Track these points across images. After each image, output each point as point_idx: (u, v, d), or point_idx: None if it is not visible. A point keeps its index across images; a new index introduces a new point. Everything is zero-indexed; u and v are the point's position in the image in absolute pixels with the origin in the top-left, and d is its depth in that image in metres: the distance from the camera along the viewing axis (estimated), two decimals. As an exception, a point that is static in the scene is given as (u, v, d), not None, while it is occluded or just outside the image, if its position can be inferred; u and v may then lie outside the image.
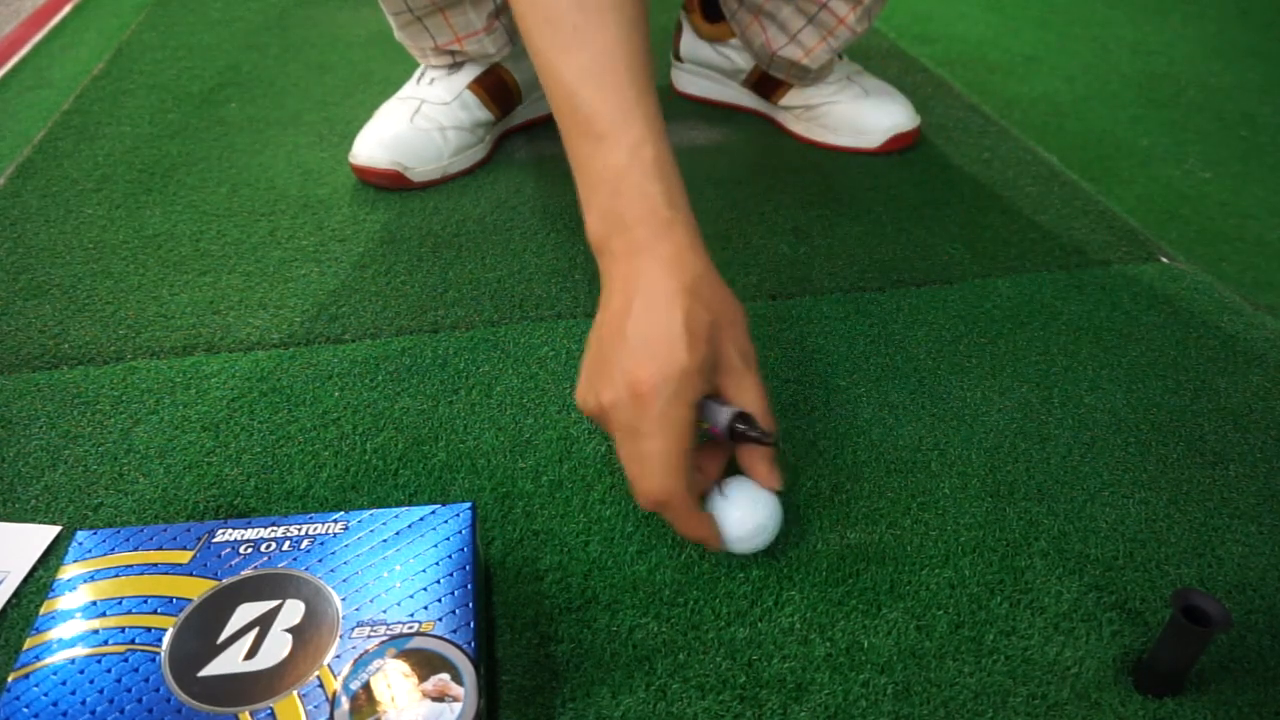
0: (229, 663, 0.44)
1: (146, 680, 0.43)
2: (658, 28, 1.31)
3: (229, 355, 0.71)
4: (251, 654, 0.44)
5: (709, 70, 1.10)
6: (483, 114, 0.97)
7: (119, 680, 0.43)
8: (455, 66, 0.96)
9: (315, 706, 0.42)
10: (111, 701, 0.42)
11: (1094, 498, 0.60)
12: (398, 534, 0.50)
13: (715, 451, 0.55)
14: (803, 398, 0.68)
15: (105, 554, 0.49)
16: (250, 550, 0.49)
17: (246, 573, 0.48)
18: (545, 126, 1.07)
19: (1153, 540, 0.57)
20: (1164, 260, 0.85)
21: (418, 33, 0.92)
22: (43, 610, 0.46)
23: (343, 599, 0.46)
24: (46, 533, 0.56)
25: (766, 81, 1.05)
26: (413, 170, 0.92)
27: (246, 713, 0.42)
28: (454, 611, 0.46)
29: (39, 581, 0.53)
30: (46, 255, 0.83)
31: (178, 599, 0.46)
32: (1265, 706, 0.48)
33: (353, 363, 0.70)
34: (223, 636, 0.45)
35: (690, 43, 1.09)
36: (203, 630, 0.45)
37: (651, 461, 0.48)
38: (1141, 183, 1.01)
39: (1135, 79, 1.26)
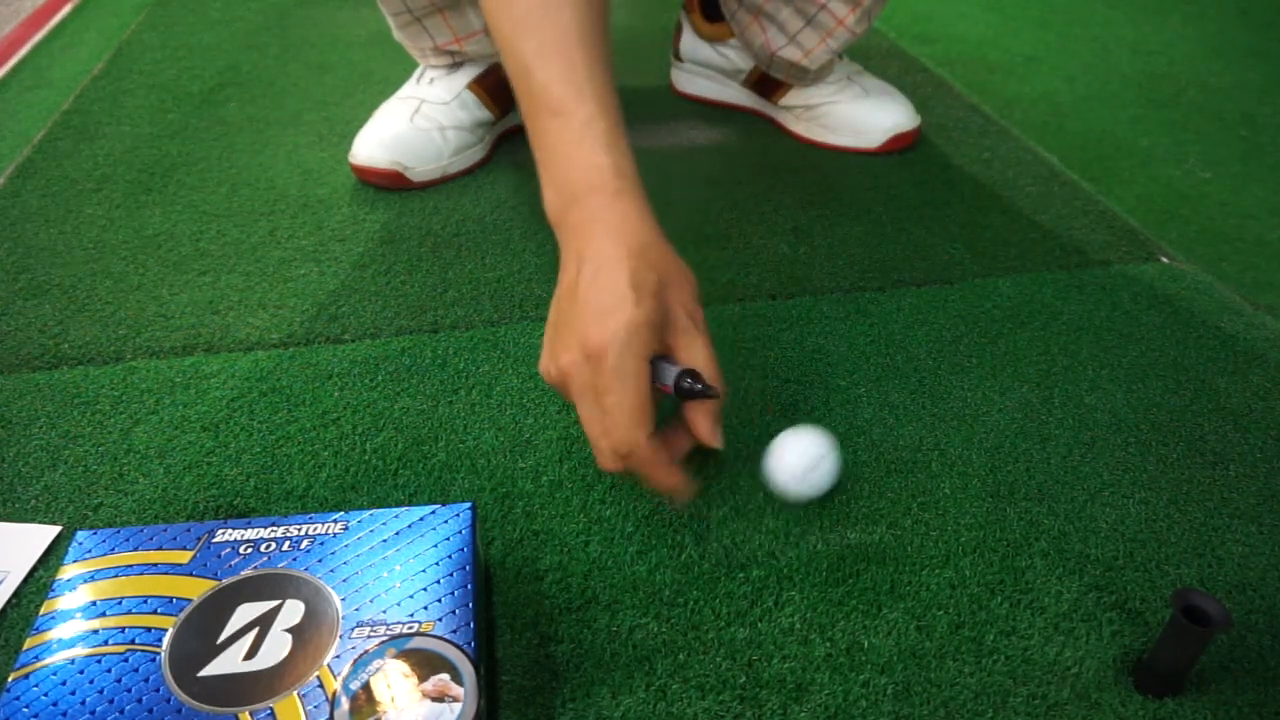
0: (229, 663, 0.44)
1: (146, 680, 0.43)
2: (658, 28, 1.32)
3: (229, 355, 0.71)
4: (251, 654, 0.44)
5: (709, 70, 1.10)
6: (482, 114, 0.97)
7: (119, 680, 0.43)
8: (455, 66, 0.96)
9: (315, 707, 0.42)
10: (111, 702, 0.42)
11: (1094, 498, 0.60)
12: (398, 534, 0.50)
13: (681, 429, 0.56)
14: (803, 398, 0.68)
15: (105, 554, 0.49)
16: (250, 550, 0.49)
17: (246, 573, 0.48)
18: (545, 126, 1.07)
19: (1153, 540, 0.57)
20: (1164, 260, 0.85)
21: (417, 33, 0.92)
22: (43, 610, 0.46)
23: (342, 599, 0.46)
24: (46, 533, 0.56)
25: (766, 81, 1.05)
26: (412, 170, 0.92)
27: (246, 713, 0.42)
28: (454, 611, 0.46)
29: (39, 581, 0.53)
30: (46, 255, 0.83)
31: (178, 599, 0.46)
32: (1265, 706, 0.48)
33: (352, 363, 0.70)
34: (223, 636, 0.45)
35: (690, 42, 1.09)
36: (203, 630, 0.45)
37: (612, 415, 0.50)
38: (1141, 183, 1.01)
39: (1135, 79, 1.26)
